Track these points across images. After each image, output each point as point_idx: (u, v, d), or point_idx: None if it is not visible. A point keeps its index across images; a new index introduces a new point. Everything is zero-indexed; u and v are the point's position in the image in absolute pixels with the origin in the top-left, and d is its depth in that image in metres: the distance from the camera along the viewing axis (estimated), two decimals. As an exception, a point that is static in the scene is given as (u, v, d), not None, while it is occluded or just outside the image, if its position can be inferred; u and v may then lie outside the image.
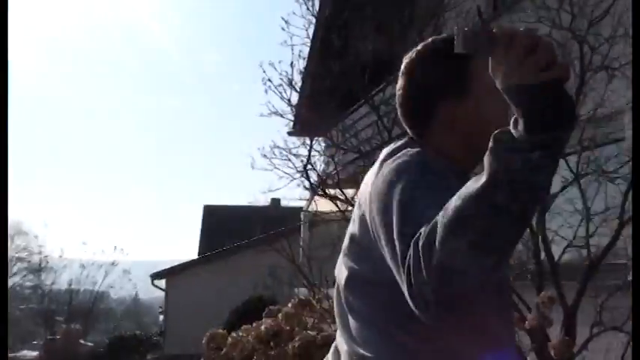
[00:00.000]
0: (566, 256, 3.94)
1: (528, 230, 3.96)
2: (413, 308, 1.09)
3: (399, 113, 1.46)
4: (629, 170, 3.79)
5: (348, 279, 1.36)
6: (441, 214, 1.05)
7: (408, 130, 1.43)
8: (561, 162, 3.83)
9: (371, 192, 1.30)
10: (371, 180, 1.34)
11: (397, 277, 1.15)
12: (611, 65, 3.73)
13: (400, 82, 1.44)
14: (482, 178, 1.03)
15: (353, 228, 1.38)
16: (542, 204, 3.74)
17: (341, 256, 1.41)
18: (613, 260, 4.21)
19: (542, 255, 3.83)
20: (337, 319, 1.44)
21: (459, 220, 1.02)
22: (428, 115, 1.38)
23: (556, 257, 3.81)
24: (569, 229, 3.99)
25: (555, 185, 3.85)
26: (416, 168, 1.27)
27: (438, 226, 1.04)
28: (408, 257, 1.09)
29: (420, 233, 1.07)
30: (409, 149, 1.33)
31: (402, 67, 1.44)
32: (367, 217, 1.30)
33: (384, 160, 1.35)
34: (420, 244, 1.06)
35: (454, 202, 1.04)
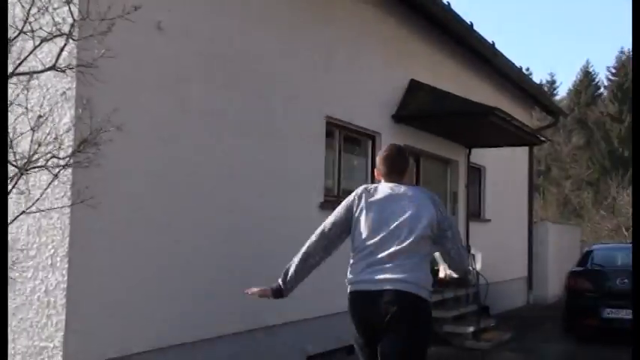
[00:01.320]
0: None
1: None
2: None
3: (391, 169, 3.56)
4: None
5: (422, 236, 3.36)
6: (462, 251, 3.55)
7: (396, 176, 3.55)
8: None
9: (437, 207, 3.43)
10: (425, 198, 3.45)
11: (456, 240, 3.48)
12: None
13: (400, 158, 3.61)
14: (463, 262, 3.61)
15: (422, 213, 3.37)
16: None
17: (407, 219, 3.36)
18: None
19: None
20: (392, 260, 3.32)
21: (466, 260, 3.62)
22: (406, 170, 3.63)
23: None
24: None
25: None
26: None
27: (463, 253, 3.56)
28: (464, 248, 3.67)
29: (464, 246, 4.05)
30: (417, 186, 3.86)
31: (401, 151, 3.67)
32: (435, 215, 3.39)
33: (415, 190, 3.52)
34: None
35: (464, 254, 3.57)
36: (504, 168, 13.23)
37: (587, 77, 47.86)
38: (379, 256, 3.31)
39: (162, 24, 4.78)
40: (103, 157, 4.18)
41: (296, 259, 3.47)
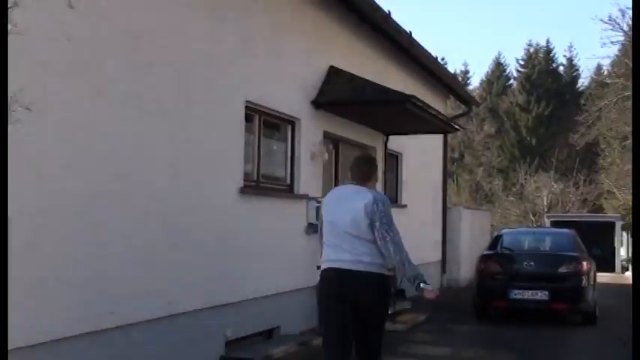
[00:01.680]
0: None
1: None
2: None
3: (353, 173, 4.56)
4: None
5: (363, 226, 4.28)
6: (402, 250, 4.32)
7: (358, 179, 4.51)
8: None
9: (375, 203, 4.29)
10: (367, 197, 4.33)
11: (385, 233, 4.27)
12: None
13: (363, 166, 4.59)
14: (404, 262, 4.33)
15: (359, 209, 4.28)
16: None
17: (346, 216, 4.32)
18: None
19: None
20: (344, 245, 4.32)
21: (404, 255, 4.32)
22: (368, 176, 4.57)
23: None
24: None
25: None
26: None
27: (401, 249, 4.31)
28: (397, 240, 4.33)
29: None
30: (375, 191, 4.56)
31: (368, 160, 4.76)
32: (370, 210, 4.25)
33: (365, 190, 4.42)
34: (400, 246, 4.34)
35: (404, 252, 4.32)
36: (420, 155, 13.57)
37: (498, 68, 49.61)
38: (337, 242, 4.34)
39: (74, 1, 4.59)
40: (10, 138, 3.98)
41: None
